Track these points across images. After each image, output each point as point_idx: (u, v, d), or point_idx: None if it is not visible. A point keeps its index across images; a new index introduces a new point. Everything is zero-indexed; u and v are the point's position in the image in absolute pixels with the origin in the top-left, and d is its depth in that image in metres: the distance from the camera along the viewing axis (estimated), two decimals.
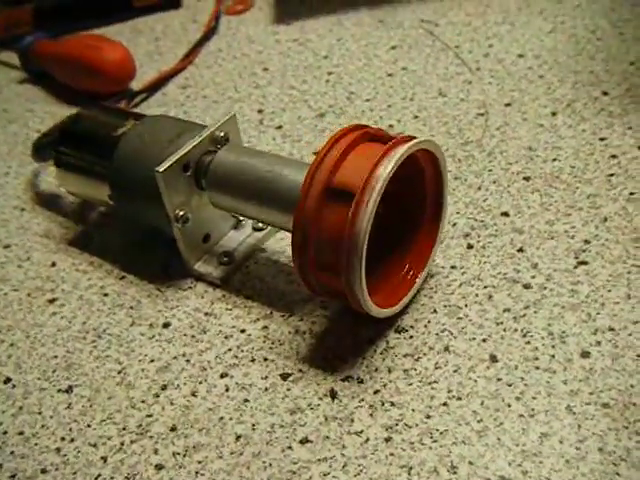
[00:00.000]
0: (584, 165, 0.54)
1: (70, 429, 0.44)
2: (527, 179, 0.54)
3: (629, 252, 0.47)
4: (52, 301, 0.52)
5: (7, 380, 0.47)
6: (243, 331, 0.47)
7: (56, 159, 0.55)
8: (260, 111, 0.67)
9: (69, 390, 0.46)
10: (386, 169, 0.39)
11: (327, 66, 0.72)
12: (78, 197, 0.58)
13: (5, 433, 0.44)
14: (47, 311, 0.52)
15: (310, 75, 0.71)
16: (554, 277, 0.47)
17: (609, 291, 0.45)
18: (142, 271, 0.53)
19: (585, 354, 0.42)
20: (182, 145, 0.48)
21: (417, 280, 0.46)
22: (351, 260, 0.39)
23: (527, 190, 0.53)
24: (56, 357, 0.48)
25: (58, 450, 0.43)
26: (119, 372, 0.46)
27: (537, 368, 0.42)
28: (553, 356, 0.42)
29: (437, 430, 0.40)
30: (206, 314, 0.49)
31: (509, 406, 0.40)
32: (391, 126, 0.62)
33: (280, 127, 0.64)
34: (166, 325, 0.49)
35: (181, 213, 0.48)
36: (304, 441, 0.40)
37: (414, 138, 0.42)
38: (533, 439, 0.39)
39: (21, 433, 0.44)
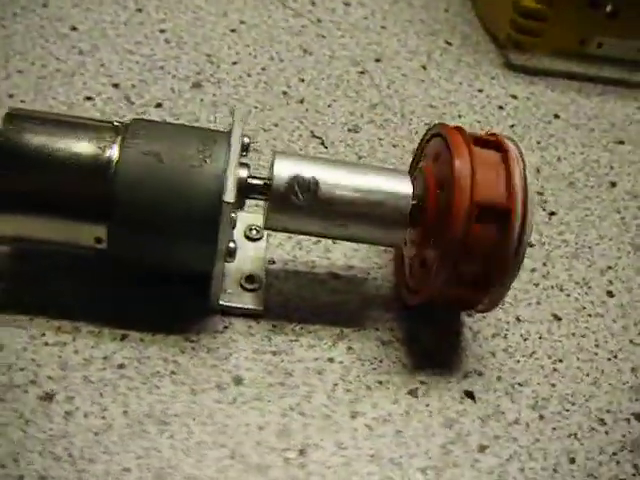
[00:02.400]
0: (485, 119, 0.59)
1: None
2: None
3: None
4: (48, 397, 0.39)
5: None
6: (331, 360, 0.43)
7: None
8: (116, 85, 0.55)
9: None
10: (520, 179, 0.40)
11: (154, 21, 0.61)
12: (21, 245, 0.42)
13: None
14: (54, 413, 0.38)
15: (140, 34, 0.59)
16: (543, 230, 0.52)
17: None
18: (145, 321, 0.42)
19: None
20: (220, 160, 0.39)
21: None
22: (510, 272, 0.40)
23: None
24: (129, 470, 0.37)
25: None
26: (232, 457, 0.38)
27: (589, 316, 0.48)
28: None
29: (567, 394, 0.44)
30: (274, 353, 0.42)
31: (596, 355, 0.46)
32: (285, 93, 0.58)
33: (159, 105, 0.54)
34: (238, 381, 0.41)
35: (232, 245, 0.40)
36: (483, 448, 0.41)
37: (499, 135, 0.42)
38: None
39: None
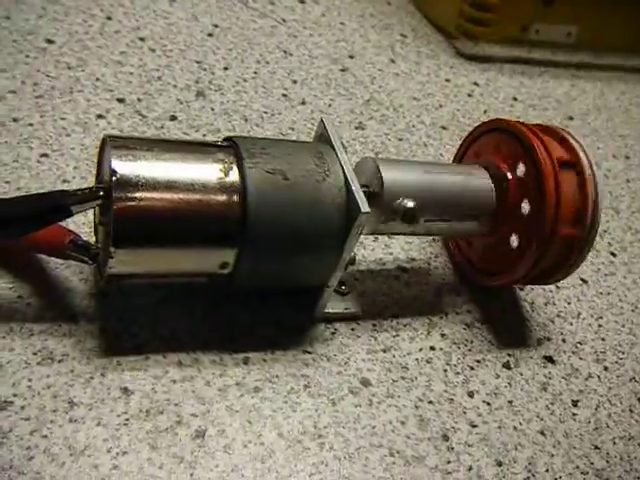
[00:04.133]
0: (462, 107, 0.63)
1: None
2: (444, 128, 0.60)
3: None
4: (200, 435, 0.37)
5: None
6: (433, 348, 0.45)
7: (117, 237, 0.35)
8: (121, 100, 0.52)
9: None
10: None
11: (129, 29, 0.58)
12: (142, 280, 0.39)
13: None
14: (213, 449, 0.37)
15: (121, 43, 0.56)
16: None
17: None
18: (260, 341, 0.42)
19: None
20: (337, 172, 0.40)
21: None
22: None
23: (455, 137, 0.60)
24: None
25: None
26: (391, 454, 0.39)
27: (606, 275, 0.54)
28: None
29: (616, 345, 0.50)
30: (385, 350, 0.44)
31: (622, 308, 0.52)
32: (285, 95, 0.57)
33: (174, 118, 0.52)
34: (366, 383, 0.42)
35: (354, 254, 0.41)
36: (575, 403, 0.46)
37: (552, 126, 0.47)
38: None
39: None
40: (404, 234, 0.45)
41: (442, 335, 0.46)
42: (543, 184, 0.42)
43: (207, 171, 0.37)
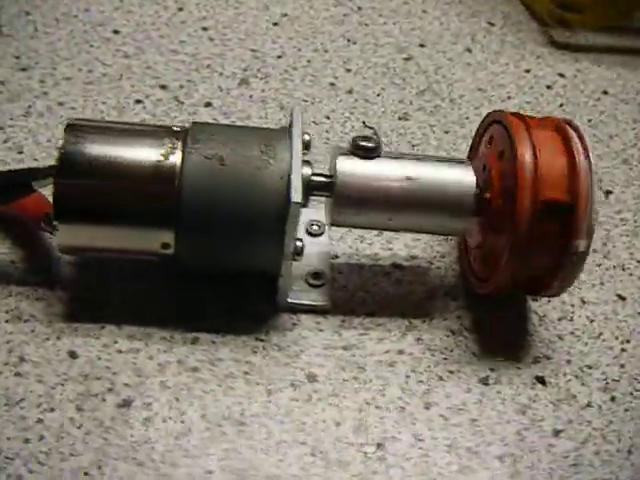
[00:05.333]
0: (535, 99, 0.58)
1: None
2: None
3: None
4: (126, 404, 0.38)
5: None
6: (402, 352, 0.42)
7: (59, 210, 0.38)
8: (164, 87, 0.54)
9: None
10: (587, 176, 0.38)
11: (195, 19, 0.60)
12: (92, 254, 0.42)
13: None
14: (133, 420, 0.38)
15: (184, 33, 0.58)
16: None
17: None
18: (214, 324, 0.42)
19: None
20: (284, 160, 0.39)
21: None
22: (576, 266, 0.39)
23: None
24: (211, 472, 0.36)
25: None
26: (313, 454, 0.37)
27: None
28: None
29: (637, 374, 0.43)
30: (345, 348, 0.42)
31: None
32: (332, 84, 0.56)
33: (209, 104, 0.53)
34: (312, 378, 0.40)
35: (299, 244, 0.39)
36: (557, 433, 0.40)
37: (556, 118, 0.41)
38: None
39: None
40: (371, 228, 0.42)
41: (418, 340, 0.43)
42: (515, 150, 0.38)
43: (148, 154, 0.39)
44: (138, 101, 0.53)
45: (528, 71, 0.61)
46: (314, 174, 0.40)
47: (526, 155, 0.38)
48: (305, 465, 0.37)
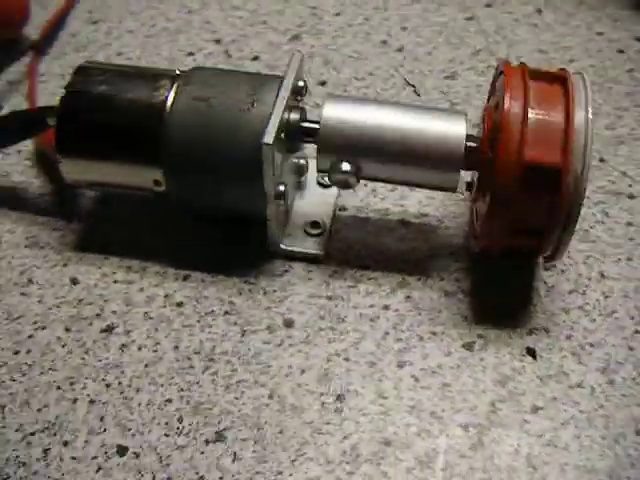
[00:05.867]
0: (600, 63, 0.53)
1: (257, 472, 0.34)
2: None
3: None
4: (109, 330, 0.40)
5: (122, 449, 0.36)
6: (387, 307, 0.40)
7: (61, 145, 0.40)
8: (217, 41, 0.55)
9: (221, 437, 0.36)
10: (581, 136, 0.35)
11: None
12: (95, 189, 0.44)
13: None
14: (112, 345, 0.39)
15: None
16: None
17: None
18: (208, 263, 0.42)
19: None
20: (267, 104, 0.38)
21: None
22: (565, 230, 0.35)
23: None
24: (170, 401, 0.37)
25: None
26: (270, 397, 0.37)
27: None
28: None
29: None
30: (329, 298, 0.41)
31: None
32: (384, 42, 0.55)
33: (256, 58, 0.53)
34: (289, 323, 0.40)
35: (281, 188, 0.39)
36: (535, 409, 0.36)
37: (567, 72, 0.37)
38: None
39: None
40: (369, 179, 0.40)
41: (407, 297, 0.41)
42: (503, 100, 0.35)
43: (142, 94, 0.39)
44: (190, 53, 0.54)
45: (601, 34, 0.55)
46: (304, 120, 0.40)
47: (515, 106, 0.35)
48: (259, 406, 0.37)
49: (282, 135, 0.38)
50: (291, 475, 0.34)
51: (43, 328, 0.40)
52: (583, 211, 0.42)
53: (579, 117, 0.35)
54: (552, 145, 0.34)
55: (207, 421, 0.36)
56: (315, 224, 0.43)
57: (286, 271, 0.42)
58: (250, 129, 0.37)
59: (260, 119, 0.38)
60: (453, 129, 0.37)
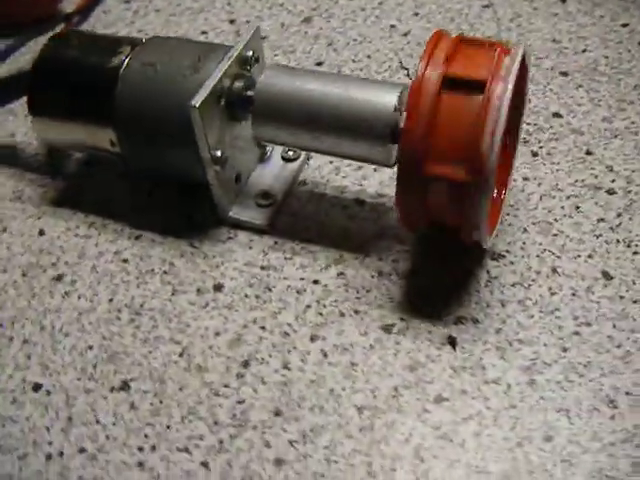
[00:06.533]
0: (617, 54, 0.48)
1: (146, 435, 0.34)
2: (565, 74, 0.48)
3: None
4: (58, 278, 0.41)
5: (37, 386, 0.37)
6: (316, 282, 0.39)
7: (31, 104, 0.42)
8: (232, 21, 0.56)
9: (125, 386, 0.36)
10: (514, 61, 0.32)
11: None
12: (64, 147, 0.46)
13: (61, 454, 0.34)
14: (57, 291, 0.41)
15: None
16: (635, 179, 0.41)
17: None
18: (162, 226, 0.43)
19: None
20: (209, 71, 0.38)
21: (504, 199, 0.39)
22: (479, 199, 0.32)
23: (569, 86, 0.47)
24: (91, 348, 0.38)
25: (141, 464, 0.33)
26: (181, 354, 0.37)
27: None
28: None
29: (579, 363, 0.34)
30: (263, 268, 0.40)
31: None
32: (393, 26, 0.53)
33: (264, 38, 0.54)
34: (218, 288, 0.39)
35: (218, 154, 0.38)
36: (439, 400, 0.34)
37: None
38: None
39: (83, 450, 0.34)
40: (294, 147, 0.39)
41: (340, 274, 0.39)
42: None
43: (103, 60, 0.41)
44: (204, 32, 0.55)
45: (625, 25, 0.50)
46: (248, 89, 0.39)
47: (428, 69, 0.33)
48: (168, 362, 0.36)
49: (222, 102, 0.38)
50: (177, 431, 0.34)
51: (4, 271, 0.42)
52: (551, 203, 0.40)
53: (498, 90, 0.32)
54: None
55: (117, 370, 0.37)
56: (266, 195, 0.42)
57: (230, 238, 0.42)
58: (189, 94, 0.38)
59: (197, 85, 0.38)
60: (383, 100, 0.35)
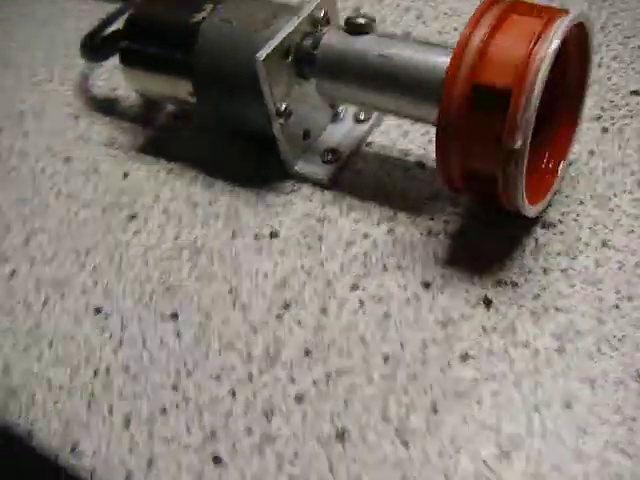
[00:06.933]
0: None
1: (185, 362, 0.37)
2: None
3: None
4: (133, 217, 0.45)
5: (98, 310, 0.40)
6: (366, 236, 0.40)
7: (123, 56, 0.46)
8: None
9: (174, 317, 0.39)
10: (544, 59, 0.31)
11: None
12: (152, 97, 0.50)
13: (108, 371, 0.37)
14: (129, 229, 0.44)
15: None
16: None
17: None
18: (234, 176, 0.45)
19: None
20: (280, 28, 0.40)
21: (559, 170, 0.39)
22: (513, 163, 0.32)
23: None
24: (150, 280, 0.41)
25: (175, 387, 0.36)
26: (230, 292, 0.39)
27: None
28: None
29: (614, 336, 0.33)
30: (319, 220, 0.41)
31: None
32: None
33: (358, 8, 0.55)
34: (274, 235, 0.41)
35: (284, 106, 0.40)
36: (465, 357, 0.34)
37: (563, 11, 0.34)
38: None
39: (127, 370, 0.37)
40: (353, 104, 0.40)
41: (390, 230, 0.40)
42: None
43: (186, 15, 0.43)
44: None
45: None
46: (313, 47, 0.40)
47: (474, 35, 0.32)
48: (216, 298, 0.39)
49: (289, 58, 0.40)
50: (213, 361, 0.37)
51: (87, 207, 0.46)
52: (614, 178, 0.39)
53: (543, 49, 0.32)
54: (506, 72, 0.32)
55: (170, 302, 0.40)
56: (332, 152, 0.44)
57: (293, 191, 0.43)
58: (258, 49, 0.39)
59: (267, 39, 0.40)
60: (435, 60, 0.36)
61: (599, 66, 0.46)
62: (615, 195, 0.39)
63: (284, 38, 0.39)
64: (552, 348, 0.34)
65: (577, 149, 0.41)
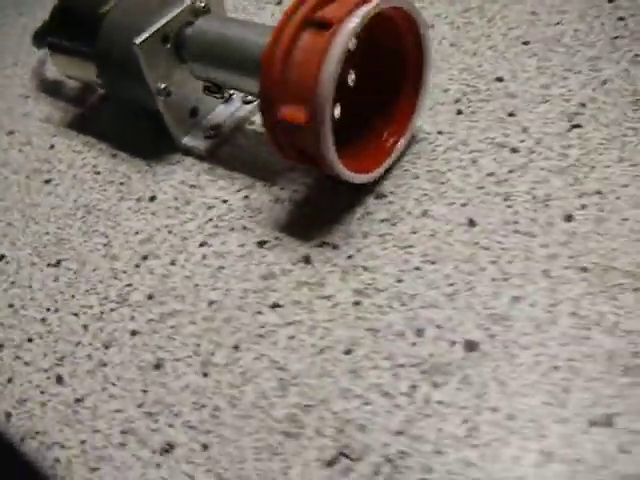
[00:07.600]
0: (588, 28, 0.48)
1: (55, 300, 0.42)
2: (526, 43, 0.48)
3: (626, 114, 0.42)
4: (48, 181, 0.51)
5: (1, 257, 0.46)
6: (225, 201, 0.44)
7: (49, 43, 0.52)
8: None
9: (57, 264, 0.44)
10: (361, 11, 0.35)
11: None
12: (76, 80, 0.55)
13: None
14: (43, 191, 0.50)
15: None
16: (544, 141, 0.42)
17: (600, 154, 0.40)
18: (134, 149, 0.51)
19: (568, 217, 0.38)
20: (163, 16, 0.45)
21: (397, 146, 0.42)
22: (320, 102, 0.36)
23: (524, 55, 0.48)
24: (47, 234, 0.47)
25: (43, 320, 0.41)
26: (105, 245, 0.44)
27: (516, 232, 0.38)
28: (534, 220, 0.38)
29: (406, 294, 0.37)
30: (191, 186, 0.46)
31: (483, 270, 0.37)
32: None
33: (279, 3, 0.60)
34: (152, 198, 0.46)
35: (163, 86, 0.45)
36: (274, 306, 0.38)
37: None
38: (504, 302, 0.35)
39: (11, 306, 0.43)
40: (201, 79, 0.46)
41: (245, 197, 0.44)
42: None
43: (96, 7, 0.49)
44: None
45: (612, 1, 0.49)
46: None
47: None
48: (94, 250, 0.44)
49: (168, 44, 0.45)
50: (77, 300, 0.42)
51: (16, 173, 0.53)
52: (452, 155, 0.42)
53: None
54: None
55: (57, 251, 0.45)
56: (214, 128, 0.49)
57: (178, 162, 0.48)
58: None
59: (149, 24, 0.45)
60: (260, 40, 0.41)
61: (474, 54, 0.49)
62: (449, 170, 0.42)
63: (162, 25, 0.44)
64: (350, 302, 0.37)
65: (430, 129, 0.45)
